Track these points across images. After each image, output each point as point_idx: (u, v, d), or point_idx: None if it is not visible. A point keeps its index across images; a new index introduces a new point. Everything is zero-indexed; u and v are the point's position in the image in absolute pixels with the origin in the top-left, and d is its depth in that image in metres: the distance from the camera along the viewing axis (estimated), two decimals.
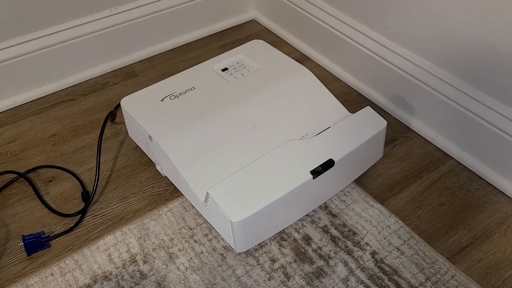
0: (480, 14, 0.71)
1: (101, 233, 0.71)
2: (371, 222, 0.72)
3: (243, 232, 0.64)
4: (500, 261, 0.68)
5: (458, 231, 0.72)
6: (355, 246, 0.69)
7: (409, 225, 0.72)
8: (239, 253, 0.68)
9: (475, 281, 0.65)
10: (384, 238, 0.70)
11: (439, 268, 0.66)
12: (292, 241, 0.70)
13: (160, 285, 0.65)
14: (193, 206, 0.74)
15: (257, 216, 0.64)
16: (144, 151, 0.81)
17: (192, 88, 0.79)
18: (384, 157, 0.82)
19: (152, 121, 0.74)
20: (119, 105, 0.80)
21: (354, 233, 0.70)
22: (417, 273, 0.66)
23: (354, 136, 0.72)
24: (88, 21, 0.96)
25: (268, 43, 0.90)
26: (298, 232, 0.71)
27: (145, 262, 0.67)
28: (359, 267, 0.66)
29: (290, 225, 0.72)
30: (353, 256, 0.68)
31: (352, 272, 0.66)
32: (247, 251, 0.68)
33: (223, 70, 0.83)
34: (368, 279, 0.65)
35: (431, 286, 0.64)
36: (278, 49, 0.89)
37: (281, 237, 0.70)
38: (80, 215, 0.73)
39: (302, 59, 1.05)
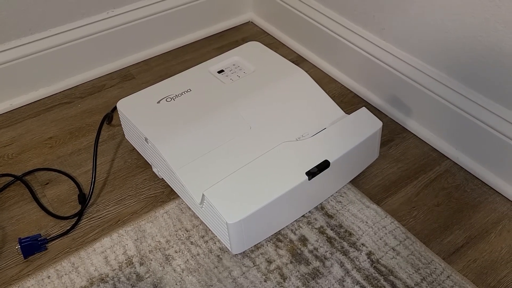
0: (475, 15, 0.71)
1: (97, 235, 0.72)
2: (367, 222, 0.72)
3: (239, 234, 0.64)
4: (495, 261, 0.68)
5: (454, 231, 0.72)
6: (351, 246, 0.69)
7: (405, 225, 0.72)
8: (235, 254, 0.68)
9: (470, 281, 0.65)
10: (380, 239, 0.70)
11: (435, 268, 0.66)
12: (288, 242, 0.70)
13: (156, 287, 0.65)
14: (189, 208, 0.74)
15: (253, 218, 0.64)
16: (141, 153, 0.81)
17: (188, 90, 0.80)
18: (380, 157, 0.83)
19: (148, 123, 0.74)
20: (115, 107, 0.80)
21: (350, 234, 0.71)
22: (413, 273, 0.66)
23: (350, 137, 0.72)
24: (84, 24, 0.96)
25: (265, 45, 0.90)
26: (294, 233, 0.71)
27: (141, 264, 0.67)
28: (355, 267, 0.66)
29: (286, 226, 0.72)
30: (349, 257, 0.68)
31: (348, 272, 0.66)
32: (243, 252, 0.69)
33: (219, 72, 0.83)
34: (364, 279, 0.65)
35: (426, 286, 0.64)
36: (274, 50, 0.89)
37: (277, 238, 0.70)
38: (77, 217, 0.74)
39: (299, 60, 1.05)
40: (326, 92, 0.81)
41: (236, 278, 0.66)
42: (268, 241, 0.70)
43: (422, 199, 0.76)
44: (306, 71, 0.83)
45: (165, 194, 0.77)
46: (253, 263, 0.67)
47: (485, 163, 0.78)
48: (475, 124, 0.77)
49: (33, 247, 0.69)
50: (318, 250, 0.69)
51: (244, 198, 0.64)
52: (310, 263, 0.67)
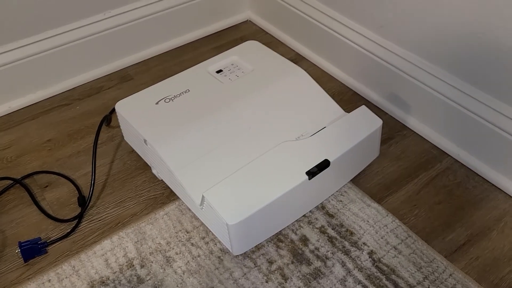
0: (474, 11, 0.71)
1: (97, 238, 0.71)
2: (368, 221, 0.72)
3: (239, 235, 0.64)
4: (498, 258, 0.68)
5: (456, 229, 0.71)
6: (352, 246, 0.69)
7: (406, 224, 0.72)
8: (236, 255, 0.68)
9: (473, 279, 0.65)
10: (382, 238, 0.70)
11: (437, 267, 0.66)
12: (289, 242, 0.70)
13: None
14: (189, 209, 0.74)
15: (253, 218, 0.63)
16: (140, 155, 0.81)
17: (187, 91, 0.79)
18: (380, 156, 0.82)
19: (147, 124, 0.74)
20: (114, 109, 0.80)
21: (351, 233, 0.70)
22: (415, 272, 0.66)
23: (350, 136, 0.72)
24: (81, 25, 0.95)
25: (263, 43, 0.90)
26: (295, 233, 0.71)
27: (142, 266, 0.67)
28: (357, 267, 0.66)
29: (287, 226, 0.71)
30: (351, 256, 0.67)
31: (349, 272, 0.66)
32: (244, 253, 0.68)
33: (218, 72, 0.83)
34: (366, 279, 0.65)
35: (429, 285, 0.64)
36: (273, 49, 0.88)
37: (278, 238, 0.70)
38: (77, 220, 0.73)
39: (297, 59, 1.05)
40: (325, 90, 0.80)
41: (237, 279, 0.65)
42: (269, 241, 0.70)
43: (423, 197, 0.76)
44: (305, 70, 0.82)
45: (165, 195, 0.77)
46: (254, 264, 0.67)
47: (486, 160, 0.78)
48: (475, 121, 0.76)
49: (33, 251, 0.68)
50: (319, 250, 0.68)
51: (244, 199, 0.64)
52: (312, 263, 0.67)
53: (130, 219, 0.74)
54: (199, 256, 0.68)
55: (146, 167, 0.81)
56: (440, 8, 0.75)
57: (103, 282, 0.65)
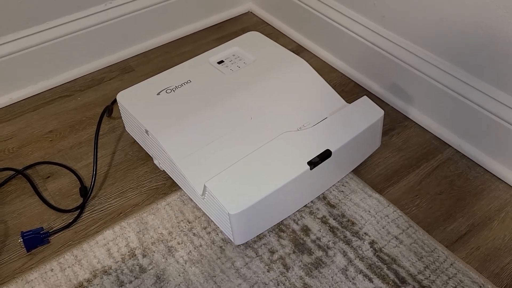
0: (476, 1, 0.70)
1: (100, 228, 0.72)
2: (369, 212, 0.72)
3: (241, 224, 0.64)
4: (499, 248, 0.68)
5: (457, 219, 0.72)
6: (353, 236, 0.69)
7: (407, 214, 0.72)
8: (238, 245, 0.68)
9: (474, 269, 0.65)
10: (383, 228, 0.70)
11: (438, 256, 0.66)
12: (291, 232, 0.70)
13: (159, 278, 0.65)
14: (191, 200, 0.74)
15: (255, 208, 0.64)
16: (142, 146, 0.81)
17: (188, 82, 0.79)
18: (382, 146, 0.82)
19: (149, 115, 0.74)
20: (115, 100, 0.80)
21: (353, 223, 0.70)
22: (416, 261, 0.66)
23: (351, 126, 0.72)
24: (82, 16, 0.95)
25: (265, 35, 0.90)
26: (297, 223, 0.71)
27: (144, 256, 0.67)
28: (358, 256, 0.66)
29: (289, 216, 0.72)
30: (352, 246, 0.68)
31: (351, 261, 0.66)
32: (246, 243, 0.69)
33: (219, 62, 0.83)
34: (367, 268, 0.65)
35: (430, 274, 0.64)
36: (274, 40, 0.88)
37: (279, 228, 0.70)
38: (79, 210, 0.73)
39: (299, 50, 1.04)
40: (326, 81, 0.80)
41: (239, 269, 0.66)
42: (271, 231, 0.70)
43: (424, 187, 0.76)
44: (306, 61, 0.82)
45: (167, 186, 0.77)
46: (256, 254, 0.67)
47: (488, 150, 0.78)
48: (477, 111, 0.76)
49: (35, 241, 0.69)
50: (321, 239, 0.69)
51: (246, 189, 0.64)
52: (313, 252, 0.67)
53: (132, 209, 0.74)
54: (201, 246, 0.68)
55: (147, 158, 0.82)
56: None
57: (106, 272, 0.66)
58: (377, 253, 0.67)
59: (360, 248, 0.67)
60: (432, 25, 0.79)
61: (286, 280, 0.64)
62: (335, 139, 0.70)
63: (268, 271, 0.65)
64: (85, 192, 0.76)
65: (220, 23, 1.13)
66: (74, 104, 0.93)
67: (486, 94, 0.74)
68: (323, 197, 0.74)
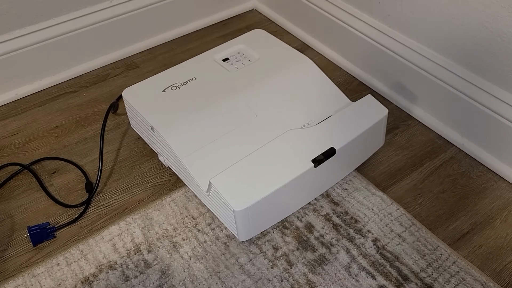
0: (480, 1, 0.71)
1: (105, 223, 0.72)
2: (372, 209, 0.72)
3: (245, 221, 0.65)
4: (501, 247, 0.68)
5: (460, 217, 0.72)
6: (357, 233, 0.69)
7: (410, 212, 0.73)
8: (242, 241, 0.69)
9: (476, 267, 0.66)
10: (386, 225, 0.70)
11: (440, 254, 0.67)
12: (295, 229, 0.70)
13: (164, 273, 0.65)
14: (196, 196, 0.75)
15: (260, 205, 0.64)
16: (147, 142, 0.81)
17: (193, 79, 0.79)
18: (385, 145, 0.83)
19: (154, 112, 0.74)
20: (120, 96, 0.80)
21: (356, 221, 0.71)
22: (419, 259, 0.66)
23: (355, 125, 0.72)
24: (88, 13, 0.96)
25: (269, 32, 0.90)
26: (301, 221, 0.71)
27: (149, 251, 0.68)
28: (361, 254, 0.67)
29: (293, 213, 0.72)
30: (355, 243, 0.68)
31: (354, 259, 0.66)
32: (250, 239, 0.69)
33: (224, 60, 0.83)
34: (370, 265, 0.66)
35: (432, 272, 0.65)
36: (279, 38, 0.89)
37: (283, 225, 0.71)
38: (84, 206, 0.74)
39: (303, 48, 1.05)
40: (331, 79, 0.81)
41: (243, 265, 0.66)
42: (275, 228, 0.71)
43: (427, 186, 0.76)
44: (311, 59, 0.83)
45: (172, 182, 0.78)
46: (260, 250, 0.68)
47: (491, 149, 0.78)
48: (481, 111, 0.76)
49: (42, 235, 0.69)
50: (324, 237, 0.69)
51: (251, 186, 0.64)
52: (316, 249, 0.68)
53: (137, 205, 0.75)
54: (205, 242, 0.69)
55: (152, 154, 0.82)
56: None
57: (111, 267, 0.66)
58: (380, 251, 0.67)
59: (363, 246, 0.68)
60: (436, 24, 0.79)
61: (289, 277, 0.65)
62: (340, 137, 0.70)
63: (271, 268, 0.66)
64: (90, 188, 0.76)
65: (225, 20, 1.13)
66: (79, 100, 0.93)
67: (490, 93, 0.75)
68: (326, 195, 0.75)
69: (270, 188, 0.64)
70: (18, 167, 0.80)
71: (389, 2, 0.85)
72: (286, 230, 0.70)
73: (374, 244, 0.68)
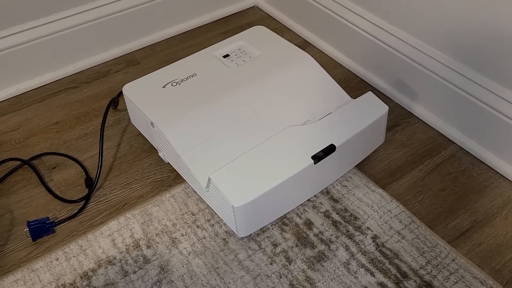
0: None
1: (104, 218, 0.72)
2: (372, 207, 0.72)
3: (245, 217, 0.65)
4: (500, 245, 0.68)
5: (459, 215, 0.72)
6: (356, 230, 0.69)
7: (410, 209, 0.73)
8: (241, 237, 0.69)
9: (475, 264, 0.66)
10: (385, 223, 0.70)
11: (440, 252, 0.67)
12: (294, 226, 0.70)
13: (163, 269, 0.65)
14: (195, 192, 0.75)
15: (259, 201, 0.64)
16: (147, 138, 0.81)
17: (194, 75, 0.79)
18: (386, 142, 0.82)
19: (154, 107, 0.74)
20: (121, 92, 0.80)
21: (356, 218, 0.71)
22: (418, 256, 0.66)
23: (356, 122, 0.72)
24: (89, 8, 0.95)
25: (270, 29, 0.90)
26: (300, 217, 0.71)
27: (148, 247, 0.68)
28: (360, 251, 0.67)
29: (292, 210, 0.72)
30: (354, 240, 0.68)
31: (353, 256, 0.66)
32: (249, 235, 0.69)
33: (225, 56, 0.83)
34: (369, 262, 0.66)
35: (431, 269, 0.65)
36: (280, 35, 0.88)
37: (282, 222, 0.71)
38: (84, 201, 0.74)
39: (304, 45, 1.05)
40: (332, 76, 0.81)
41: (242, 261, 0.66)
42: (274, 224, 0.71)
43: (427, 183, 0.76)
44: (312, 56, 0.82)
45: (171, 178, 0.78)
46: (259, 246, 0.68)
47: (491, 147, 0.78)
48: (482, 109, 0.76)
49: (41, 230, 0.69)
50: (324, 233, 0.69)
51: (250, 182, 0.64)
52: (316, 246, 0.68)
53: (137, 201, 0.75)
54: (204, 238, 0.69)
55: (152, 150, 0.82)
56: None
57: (110, 262, 0.66)
58: (379, 248, 0.67)
59: (362, 243, 0.68)
60: (438, 21, 0.79)
61: (288, 273, 0.65)
62: (340, 134, 0.70)
63: (270, 264, 0.66)
64: (90, 183, 0.76)
65: (226, 17, 1.13)
66: (80, 96, 0.93)
67: (491, 91, 0.75)
68: (326, 192, 0.74)
69: (270, 184, 0.64)
70: (18, 162, 0.80)
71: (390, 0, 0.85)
72: (285, 226, 0.70)
73: (373, 241, 0.68)
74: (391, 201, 0.73)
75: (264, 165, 0.66)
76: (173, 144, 0.70)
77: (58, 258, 0.67)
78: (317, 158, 0.67)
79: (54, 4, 0.92)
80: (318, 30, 1.03)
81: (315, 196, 0.74)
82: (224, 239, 0.69)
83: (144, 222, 0.71)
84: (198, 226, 0.70)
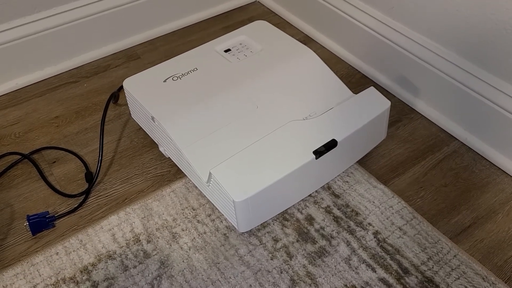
0: None
1: (105, 213, 0.72)
2: (373, 202, 0.72)
3: (245, 212, 0.64)
4: (502, 241, 0.68)
5: (461, 211, 0.72)
6: (357, 226, 0.69)
7: (412, 205, 0.72)
8: (242, 233, 0.69)
9: (477, 260, 0.65)
10: (387, 218, 0.70)
11: (442, 248, 0.66)
12: (295, 221, 0.70)
13: (163, 264, 0.65)
14: (196, 187, 0.74)
15: (260, 196, 0.64)
16: (147, 132, 0.81)
17: (195, 69, 0.79)
18: (387, 138, 0.82)
19: (155, 102, 0.74)
20: (121, 87, 0.80)
21: (357, 214, 0.71)
22: (419, 252, 0.66)
23: (357, 117, 0.72)
24: (89, 3, 0.95)
25: (272, 24, 0.89)
26: (301, 212, 0.71)
27: (148, 242, 0.68)
28: (362, 246, 0.67)
29: (293, 205, 0.72)
30: (356, 236, 0.68)
31: (354, 251, 0.66)
32: (250, 231, 0.69)
33: (226, 51, 0.83)
34: (370, 258, 0.65)
35: (433, 265, 0.64)
36: (282, 30, 0.88)
37: (283, 217, 0.70)
38: (84, 195, 0.74)
39: (306, 40, 1.04)
40: (334, 72, 0.80)
41: (243, 256, 0.66)
42: (275, 220, 0.70)
43: (429, 179, 0.76)
44: (314, 51, 0.82)
45: (172, 173, 0.77)
46: (260, 242, 0.68)
47: (494, 143, 0.77)
48: (484, 104, 0.76)
49: (41, 224, 0.69)
50: (325, 229, 0.69)
51: (251, 177, 0.64)
52: (317, 242, 0.67)
53: (137, 195, 0.74)
54: (205, 232, 0.69)
55: (153, 145, 0.82)
56: None
57: (110, 256, 0.66)
58: (380, 244, 0.67)
59: (363, 238, 0.67)
60: (440, 17, 0.78)
61: (289, 268, 0.64)
62: (341, 129, 0.70)
63: (271, 259, 0.66)
64: (90, 178, 0.76)
65: (228, 12, 1.12)
66: (80, 90, 0.93)
67: (494, 87, 0.74)
68: (327, 187, 0.74)
69: (271, 179, 0.64)
70: (18, 157, 0.80)
71: None
72: (286, 222, 0.70)
73: (374, 237, 0.68)
74: (393, 196, 0.72)
75: (265, 160, 0.66)
76: (173, 138, 0.70)
77: (58, 253, 0.67)
78: (318, 153, 0.67)
79: None
80: (320, 25, 1.02)
81: (316, 191, 0.73)
82: (224, 234, 0.69)
83: (145, 217, 0.71)
84: (198, 221, 0.70)
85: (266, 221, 0.70)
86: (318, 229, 0.69)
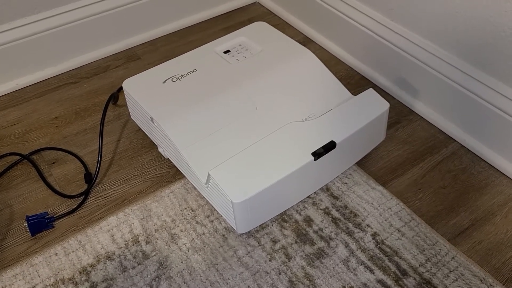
0: None
1: (104, 214, 0.72)
2: (372, 204, 0.72)
3: (244, 213, 0.65)
4: (501, 243, 0.68)
5: (460, 213, 0.72)
6: (356, 227, 0.69)
7: (410, 207, 0.72)
8: (241, 234, 0.69)
9: (475, 262, 0.65)
10: (385, 220, 0.70)
11: (440, 250, 0.66)
12: (293, 223, 0.70)
13: (162, 265, 0.65)
14: (195, 188, 0.74)
15: (258, 197, 0.64)
16: (146, 133, 0.81)
17: (194, 70, 0.79)
18: (386, 139, 0.82)
19: (154, 103, 0.74)
20: (121, 87, 0.80)
21: (355, 215, 0.71)
22: (418, 254, 0.66)
23: (356, 118, 0.72)
24: (89, 3, 0.95)
25: (272, 25, 0.89)
26: (300, 214, 0.71)
27: (147, 243, 0.68)
28: (360, 248, 0.67)
29: (292, 206, 0.72)
30: (354, 238, 0.68)
31: (352, 253, 0.66)
32: (249, 232, 0.69)
33: (225, 52, 0.83)
34: (369, 260, 0.65)
35: (431, 267, 0.64)
36: (281, 32, 0.88)
37: (282, 218, 0.71)
38: (83, 196, 0.74)
39: (306, 41, 1.04)
40: (333, 73, 0.80)
41: (241, 257, 0.66)
42: (273, 221, 0.70)
43: (428, 181, 0.76)
44: (313, 53, 0.82)
45: (171, 174, 0.77)
46: (258, 243, 0.68)
47: (492, 145, 0.78)
48: (483, 106, 0.76)
49: (40, 225, 0.69)
50: (323, 230, 0.69)
51: (250, 178, 0.64)
52: (315, 243, 0.67)
53: (136, 196, 0.74)
54: (203, 234, 0.69)
55: (152, 146, 0.82)
56: None
57: (109, 257, 0.66)
58: (379, 245, 0.67)
59: (362, 240, 0.68)
60: (440, 18, 0.78)
61: (287, 270, 0.65)
62: (340, 130, 0.70)
63: (270, 260, 0.66)
64: (89, 178, 0.76)
65: (227, 13, 1.13)
66: (80, 91, 0.93)
67: (492, 89, 0.74)
68: (326, 189, 0.74)
69: (270, 180, 0.64)
70: (17, 157, 0.80)
71: None
72: (285, 223, 0.70)
73: (373, 239, 0.68)
74: (391, 198, 0.73)
75: (264, 161, 0.66)
76: (172, 139, 0.70)
77: (57, 253, 0.67)
78: (317, 154, 0.67)
79: None
80: (320, 26, 1.02)
81: (315, 193, 0.74)
82: (223, 235, 0.69)
83: (143, 218, 0.71)
84: (197, 222, 0.70)
85: (264, 223, 0.70)
86: (316, 230, 0.69)
